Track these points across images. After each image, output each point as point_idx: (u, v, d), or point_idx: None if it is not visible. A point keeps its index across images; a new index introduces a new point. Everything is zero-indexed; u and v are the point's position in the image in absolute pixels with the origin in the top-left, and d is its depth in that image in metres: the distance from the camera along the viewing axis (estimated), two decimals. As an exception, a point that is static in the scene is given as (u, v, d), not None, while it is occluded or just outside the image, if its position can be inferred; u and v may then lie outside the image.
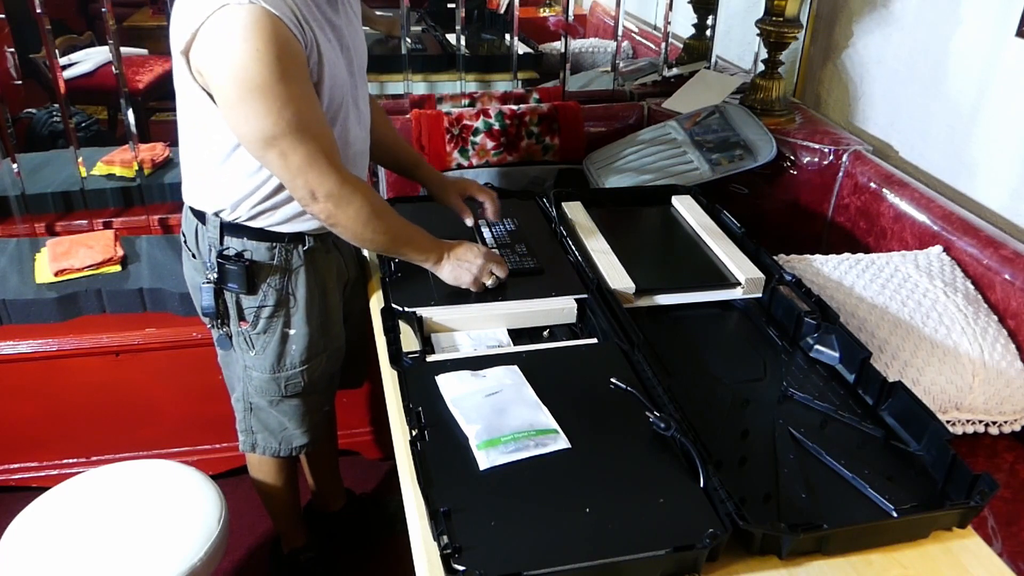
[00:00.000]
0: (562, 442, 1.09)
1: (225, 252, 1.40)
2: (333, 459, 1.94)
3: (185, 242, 1.50)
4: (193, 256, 1.48)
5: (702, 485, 1.03)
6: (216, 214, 1.39)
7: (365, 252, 1.66)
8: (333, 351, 1.57)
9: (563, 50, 2.51)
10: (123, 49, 2.56)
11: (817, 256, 1.73)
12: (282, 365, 1.50)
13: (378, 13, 2.95)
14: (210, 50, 1.16)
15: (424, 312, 1.37)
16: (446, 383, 1.19)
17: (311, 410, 1.60)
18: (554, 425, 1.12)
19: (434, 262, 1.42)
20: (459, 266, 1.42)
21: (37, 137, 2.86)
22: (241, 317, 1.47)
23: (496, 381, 1.20)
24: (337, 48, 1.31)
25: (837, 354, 1.33)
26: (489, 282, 1.44)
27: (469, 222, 1.60)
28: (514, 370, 1.22)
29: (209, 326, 1.51)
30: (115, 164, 2.33)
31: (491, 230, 1.63)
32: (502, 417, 1.12)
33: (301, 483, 1.84)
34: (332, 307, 1.53)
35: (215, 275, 1.41)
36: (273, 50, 1.14)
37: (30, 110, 2.95)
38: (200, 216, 1.42)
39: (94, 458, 2.06)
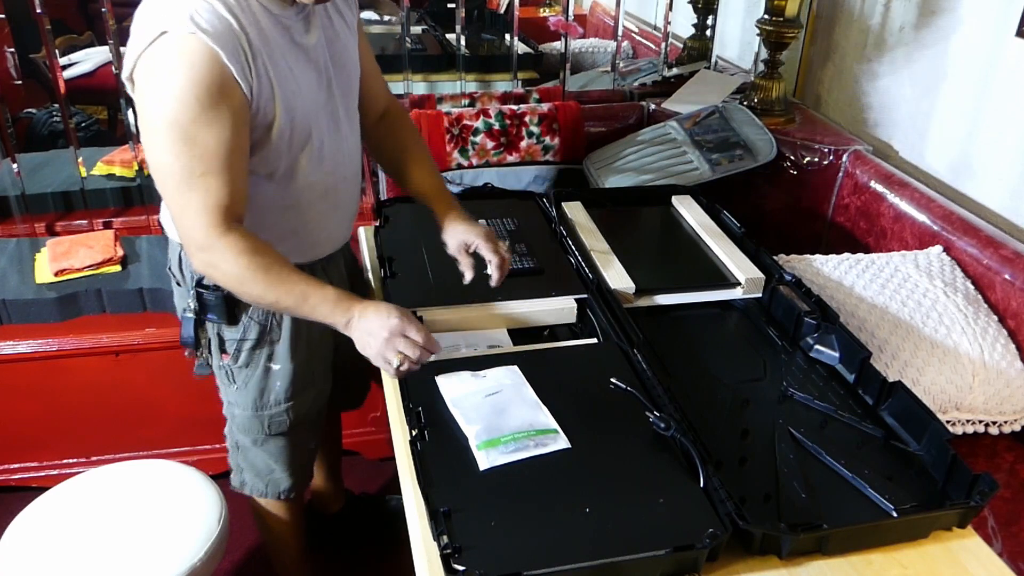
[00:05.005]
0: (562, 442, 1.09)
1: (204, 281, 1.33)
2: (336, 460, 1.93)
3: (170, 268, 1.43)
4: (178, 284, 1.42)
5: (702, 485, 1.03)
6: None
7: (366, 259, 1.65)
8: (320, 387, 1.51)
9: (563, 50, 2.51)
10: (123, 49, 2.55)
11: (817, 256, 1.73)
12: (264, 401, 1.44)
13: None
14: (140, 77, 1.12)
15: (424, 312, 1.36)
16: (446, 383, 1.19)
17: (298, 450, 1.53)
18: (554, 425, 1.12)
19: (343, 326, 1.22)
20: (366, 335, 1.19)
21: (37, 137, 2.86)
22: (223, 350, 1.41)
23: (496, 381, 1.19)
24: (307, 71, 1.24)
25: (837, 354, 1.33)
26: (395, 360, 1.17)
27: (467, 276, 1.37)
28: (514, 370, 1.22)
29: (187, 356, 1.44)
30: (115, 164, 2.33)
31: (491, 229, 1.62)
32: (502, 417, 1.12)
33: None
34: (320, 339, 1.45)
35: (195, 304, 1.36)
36: (194, 90, 1.08)
37: (30, 110, 2.95)
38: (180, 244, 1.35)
39: (94, 458, 2.05)
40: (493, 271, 1.36)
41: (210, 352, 1.42)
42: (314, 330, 1.41)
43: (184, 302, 1.39)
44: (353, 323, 1.20)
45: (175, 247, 1.39)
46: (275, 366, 1.42)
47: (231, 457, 1.56)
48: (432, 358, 1.23)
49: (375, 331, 1.18)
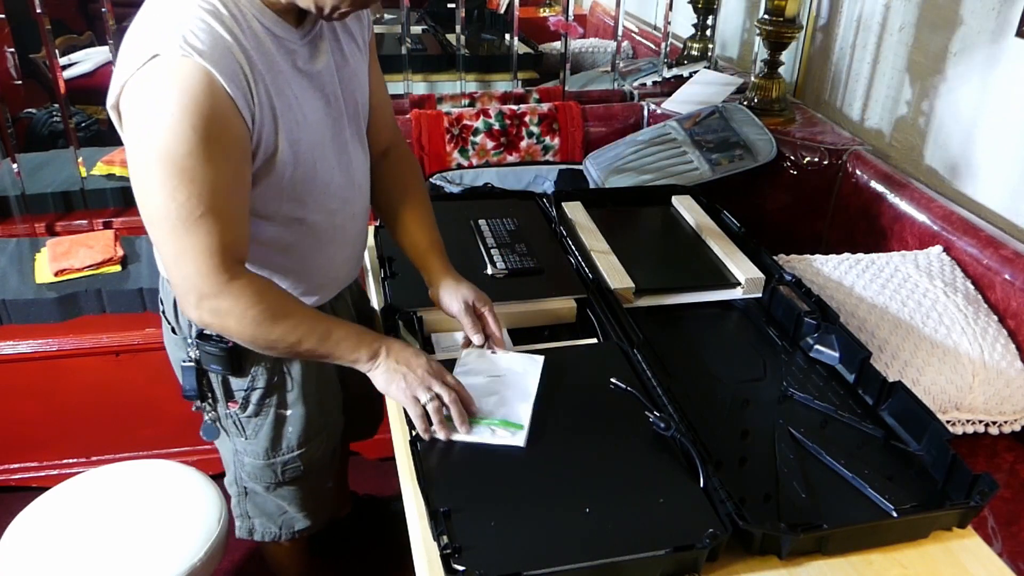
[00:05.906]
0: (520, 439, 1.09)
1: (205, 332, 1.22)
2: (343, 467, 1.92)
3: (163, 312, 1.32)
4: (173, 331, 1.30)
5: (702, 485, 1.03)
6: None
7: (366, 259, 1.65)
8: (333, 427, 1.44)
9: (563, 50, 2.51)
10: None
11: (817, 256, 1.73)
12: (277, 449, 1.36)
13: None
14: (128, 104, 1.00)
15: (424, 312, 1.36)
16: (467, 356, 1.23)
17: (313, 493, 1.46)
18: (523, 422, 1.12)
19: (367, 360, 1.14)
20: (396, 370, 1.13)
21: (37, 137, 2.86)
22: (229, 397, 1.30)
23: (508, 366, 1.21)
24: (313, 100, 1.14)
25: (837, 354, 1.33)
26: (425, 397, 1.10)
27: (477, 340, 1.25)
28: (535, 360, 1.23)
29: (194, 409, 1.36)
30: (115, 164, 2.33)
31: (491, 229, 1.63)
32: (483, 399, 1.14)
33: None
34: (330, 379, 1.38)
35: (197, 354, 1.26)
36: (189, 119, 0.96)
37: (30, 110, 2.95)
38: None
39: (94, 458, 2.05)
40: (496, 341, 1.26)
41: (215, 402, 1.34)
42: (324, 369, 1.34)
43: (180, 351, 1.30)
44: (380, 357, 1.13)
45: (169, 291, 1.27)
46: (288, 412, 1.33)
47: (236, 505, 1.48)
48: (432, 358, 1.19)
49: (410, 364, 1.13)
